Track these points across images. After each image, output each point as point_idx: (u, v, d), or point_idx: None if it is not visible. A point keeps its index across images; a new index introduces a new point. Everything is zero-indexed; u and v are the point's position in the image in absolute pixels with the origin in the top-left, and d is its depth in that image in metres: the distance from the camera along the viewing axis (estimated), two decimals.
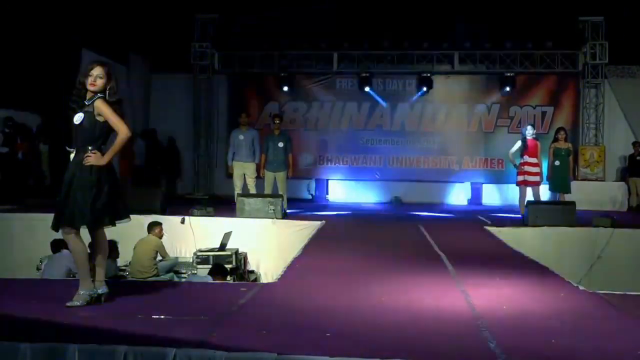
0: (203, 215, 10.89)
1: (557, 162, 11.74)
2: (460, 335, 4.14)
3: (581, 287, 5.80)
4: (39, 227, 9.44)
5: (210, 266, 9.06)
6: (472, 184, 16.69)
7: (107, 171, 4.81)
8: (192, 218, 10.67)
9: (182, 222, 10.56)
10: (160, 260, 9.45)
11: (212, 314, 4.55)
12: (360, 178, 17.22)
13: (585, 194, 13.95)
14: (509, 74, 16.44)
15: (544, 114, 16.81)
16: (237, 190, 11.86)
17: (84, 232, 4.84)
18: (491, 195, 16.70)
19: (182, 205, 12.19)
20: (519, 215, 11.19)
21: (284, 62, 16.93)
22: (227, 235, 9.70)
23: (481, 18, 15.85)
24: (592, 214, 11.20)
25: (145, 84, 17.54)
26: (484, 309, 4.82)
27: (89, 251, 4.87)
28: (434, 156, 17.11)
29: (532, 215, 10.32)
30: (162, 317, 4.44)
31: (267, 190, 12.00)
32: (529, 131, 11.47)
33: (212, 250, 9.59)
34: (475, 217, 12.43)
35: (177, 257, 10.02)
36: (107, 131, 4.82)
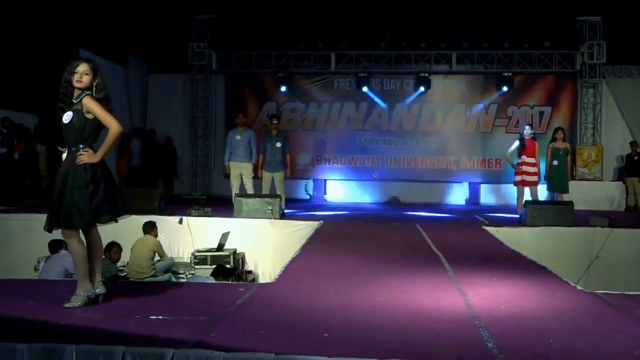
0: (201, 215, 10.89)
1: (555, 162, 11.75)
2: (458, 334, 4.15)
3: (579, 287, 5.81)
4: (36, 227, 9.36)
5: (208, 266, 9.07)
6: (470, 183, 16.70)
7: (101, 168, 4.78)
8: (190, 218, 10.67)
9: (180, 222, 10.56)
10: (158, 261, 9.45)
11: (210, 314, 4.55)
12: (358, 178, 17.22)
13: (583, 193, 13.97)
14: (506, 74, 16.44)
15: (541, 113, 16.82)
16: (235, 190, 11.87)
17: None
18: (489, 195, 16.70)
19: (180, 206, 12.19)
20: (517, 215, 11.20)
21: (281, 62, 16.94)
22: (224, 236, 9.70)
23: (479, 18, 15.84)
24: (590, 214, 11.23)
25: (143, 84, 17.54)
26: (481, 308, 4.83)
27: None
28: (432, 156, 17.11)
29: (530, 215, 10.33)
30: (160, 317, 4.44)
31: (265, 190, 12.00)
32: (527, 131, 11.48)
33: (210, 250, 9.59)
34: (473, 217, 12.44)
35: (172, 258, 9.98)
36: (98, 128, 4.80)
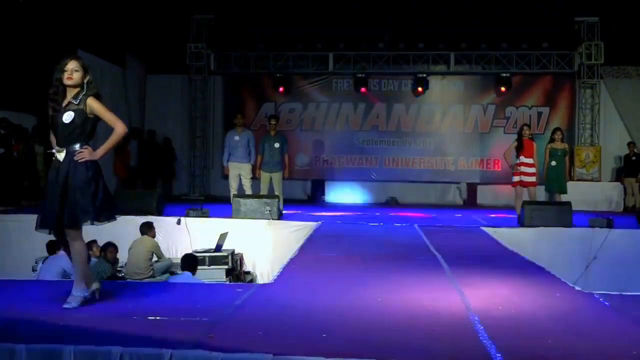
0: (199, 216, 10.87)
1: (553, 163, 11.74)
2: (456, 335, 4.14)
3: (577, 288, 5.81)
4: (34, 228, 9.40)
5: (206, 267, 9.05)
6: (468, 184, 16.71)
7: (97, 166, 4.79)
8: (188, 219, 10.66)
9: (178, 223, 10.55)
10: (156, 262, 9.44)
11: (208, 315, 4.54)
12: (356, 179, 17.22)
13: (581, 194, 14.00)
14: (504, 75, 16.47)
15: (539, 114, 16.85)
16: (233, 191, 11.86)
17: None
18: (487, 196, 16.70)
19: (178, 206, 12.18)
20: (515, 216, 11.20)
21: (279, 63, 16.94)
22: (223, 236, 9.69)
23: (477, 19, 15.85)
24: (588, 215, 11.23)
25: (141, 85, 17.53)
26: (479, 309, 4.82)
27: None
28: (430, 157, 17.13)
29: (528, 215, 10.32)
30: (158, 318, 4.44)
31: (263, 191, 11.99)
32: (526, 131, 11.47)
33: (208, 251, 9.57)
34: (471, 217, 12.44)
35: (170, 259, 9.97)
36: (95, 127, 4.81)
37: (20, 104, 12.91)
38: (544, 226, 10.12)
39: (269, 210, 10.67)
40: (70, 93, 4.76)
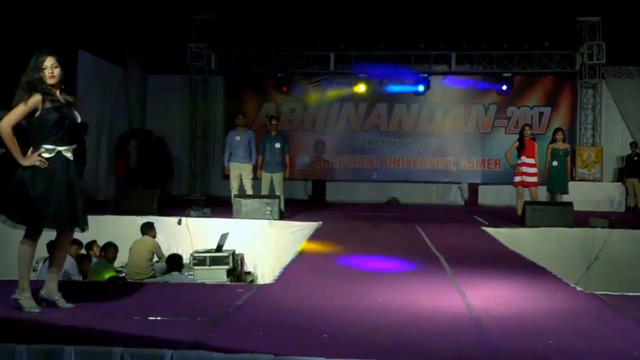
0: (199, 216, 10.87)
1: (554, 163, 11.73)
2: (457, 336, 4.14)
3: (579, 288, 5.81)
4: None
5: (207, 267, 9.04)
6: (469, 184, 16.68)
7: None
8: (189, 219, 10.65)
9: (179, 223, 10.54)
10: (157, 262, 9.44)
11: (208, 315, 4.54)
12: (357, 179, 17.21)
13: (582, 194, 13.98)
14: (506, 75, 16.46)
15: (541, 114, 16.83)
16: (234, 191, 11.84)
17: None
18: (488, 196, 16.68)
19: (179, 206, 12.16)
20: (517, 216, 11.18)
21: (280, 63, 16.93)
22: (224, 236, 9.68)
23: (479, 18, 15.82)
24: (590, 215, 11.22)
25: (142, 85, 17.50)
26: (481, 309, 4.82)
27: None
28: (431, 157, 17.12)
29: (529, 215, 10.32)
30: (159, 318, 4.43)
31: (264, 191, 11.98)
32: (527, 132, 11.46)
33: (208, 251, 9.56)
34: (473, 217, 12.43)
35: None
36: None
37: None
38: (546, 226, 10.12)
39: (270, 211, 10.66)
40: (55, 90, 4.59)
